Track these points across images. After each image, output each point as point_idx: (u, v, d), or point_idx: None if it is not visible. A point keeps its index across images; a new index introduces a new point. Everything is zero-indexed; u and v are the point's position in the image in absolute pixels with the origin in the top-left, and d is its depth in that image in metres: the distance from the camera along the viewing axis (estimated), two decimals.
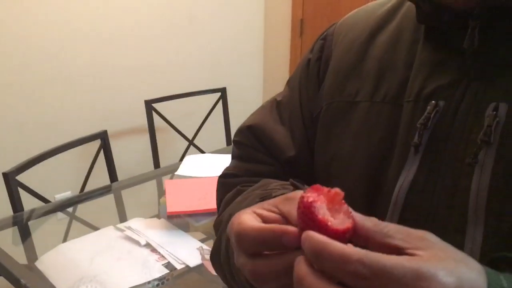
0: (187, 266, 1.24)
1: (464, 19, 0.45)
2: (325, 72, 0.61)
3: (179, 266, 1.23)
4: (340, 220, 0.33)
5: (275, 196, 0.45)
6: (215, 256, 0.59)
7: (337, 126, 0.57)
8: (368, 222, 0.33)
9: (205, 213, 1.47)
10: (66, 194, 2.37)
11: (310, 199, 0.33)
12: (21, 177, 1.51)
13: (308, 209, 0.33)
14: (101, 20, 2.44)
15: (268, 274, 0.35)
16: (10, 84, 2.15)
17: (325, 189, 0.34)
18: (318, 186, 0.34)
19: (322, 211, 0.33)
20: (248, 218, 0.37)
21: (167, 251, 1.29)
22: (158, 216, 1.48)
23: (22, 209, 1.51)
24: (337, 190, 0.35)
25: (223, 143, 2.67)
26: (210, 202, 1.50)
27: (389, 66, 0.53)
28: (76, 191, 2.35)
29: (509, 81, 0.44)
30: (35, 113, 2.27)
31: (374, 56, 0.56)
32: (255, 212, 0.39)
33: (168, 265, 1.24)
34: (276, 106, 0.67)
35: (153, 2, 2.64)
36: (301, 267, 0.31)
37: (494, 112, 0.43)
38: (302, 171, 0.61)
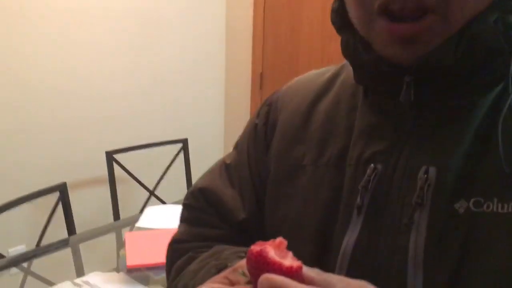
0: None
1: (400, 73, 0.48)
2: (271, 136, 0.64)
3: None
4: (289, 261, 0.35)
5: (230, 266, 0.47)
6: None
7: (285, 188, 0.59)
8: (312, 272, 0.36)
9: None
10: (20, 248, 2.29)
11: (258, 248, 0.35)
12: None
13: (259, 256, 0.35)
14: (61, 70, 2.46)
15: None
16: None
17: (269, 241, 0.37)
18: (261, 241, 0.37)
19: (272, 254, 0.35)
20: (212, 280, 0.40)
21: None
22: (117, 270, 1.46)
23: None
24: (280, 239, 0.37)
25: (184, 193, 2.67)
26: None
27: (331, 132, 0.57)
28: (31, 245, 2.28)
29: (437, 143, 0.48)
30: None
31: (316, 122, 0.59)
32: None
33: None
34: (225, 169, 0.68)
35: (114, 51, 2.68)
36: None
37: (425, 175, 0.46)
38: (253, 234, 0.61)
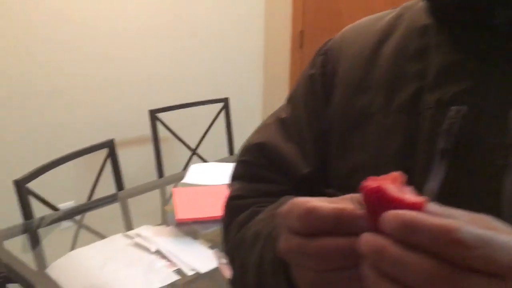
0: (198, 272, 1.25)
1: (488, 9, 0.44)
2: (331, 85, 0.60)
3: (189, 273, 1.25)
4: (411, 196, 0.32)
5: None
6: (238, 282, 0.59)
7: (352, 138, 0.56)
8: (433, 207, 0.32)
9: (213, 221, 1.49)
10: (70, 204, 2.38)
11: (375, 184, 0.32)
12: (29, 185, 1.52)
13: (377, 193, 0.32)
14: (107, 32, 2.47)
15: (335, 252, 0.34)
16: (20, 93, 2.17)
17: (381, 176, 0.34)
18: (372, 177, 0.34)
19: (391, 189, 0.32)
20: (316, 199, 0.36)
21: (177, 257, 1.30)
22: (166, 224, 1.50)
23: (32, 217, 1.52)
24: (396, 173, 0.34)
25: (225, 152, 2.69)
26: (217, 209, 1.52)
27: (399, 76, 0.53)
28: (80, 201, 2.36)
29: None
30: (42, 122, 2.28)
31: (382, 68, 0.56)
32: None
33: (179, 272, 1.25)
34: (281, 123, 0.65)
35: (157, 15, 2.67)
36: (378, 239, 0.31)
37: None
38: (315, 189, 0.59)
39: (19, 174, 1.50)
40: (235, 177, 0.67)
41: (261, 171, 0.63)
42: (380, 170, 0.52)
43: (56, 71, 2.30)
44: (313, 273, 0.36)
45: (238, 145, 2.90)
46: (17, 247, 1.36)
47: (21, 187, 1.47)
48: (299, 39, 3.19)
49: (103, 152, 1.85)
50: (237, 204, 0.63)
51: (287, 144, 0.62)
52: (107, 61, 2.50)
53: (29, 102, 2.23)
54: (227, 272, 1.13)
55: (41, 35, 2.22)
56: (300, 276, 0.38)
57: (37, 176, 1.54)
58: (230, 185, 0.68)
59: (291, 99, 0.67)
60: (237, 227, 0.61)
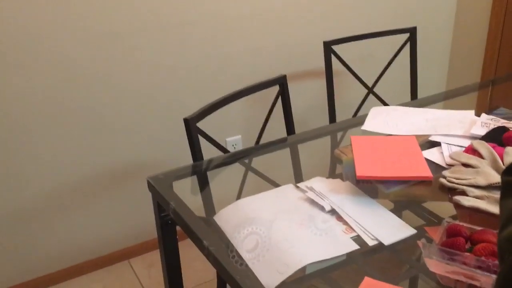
0: (381, 243, 1.04)
1: None
2: None
3: (371, 243, 1.04)
4: None
5: None
6: None
7: None
8: None
9: (397, 181, 1.25)
10: (237, 138, 2.32)
11: None
12: (199, 124, 1.44)
13: None
14: None
15: None
16: (187, 26, 2.10)
17: None
18: None
19: None
20: None
21: (357, 222, 1.10)
22: (342, 178, 1.30)
23: (202, 158, 1.45)
24: None
25: (407, 94, 2.35)
26: (402, 167, 1.26)
27: None
28: (247, 137, 2.29)
29: None
30: (214, 53, 2.21)
31: None
32: None
33: (358, 239, 1.05)
34: None
35: None
36: None
37: None
38: None
39: (189, 111, 1.43)
40: None
41: None
42: None
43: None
44: None
45: (423, 87, 2.50)
46: (187, 189, 1.30)
47: (191, 126, 1.38)
48: None
49: (275, 89, 1.69)
50: None
51: None
52: None
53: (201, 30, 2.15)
54: (435, 268, 0.90)
55: None
56: None
57: (207, 115, 1.44)
58: None
59: None
60: None
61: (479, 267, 0.85)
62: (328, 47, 2.06)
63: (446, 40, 2.87)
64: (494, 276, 0.81)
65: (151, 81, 2.04)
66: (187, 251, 2.05)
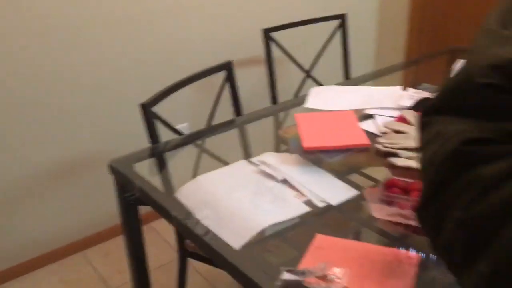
0: (329, 204, 1.18)
1: None
2: None
3: (320, 204, 1.18)
4: None
5: None
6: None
7: None
8: None
9: (339, 150, 1.39)
10: (185, 125, 2.40)
11: None
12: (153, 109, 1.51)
13: None
14: None
15: None
16: (133, 18, 2.15)
17: None
18: None
19: None
20: None
21: (306, 188, 1.23)
22: (288, 151, 1.43)
23: (158, 141, 1.52)
24: None
25: (339, 75, 2.53)
26: (343, 137, 1.41)
27: None
28: (195, 123, 2.38)
29: None
30: (157, 47, 2.27)
31: None
32: None
33: (308, 203, 1.19)
34: None
35: None
36: None
37: None
38: None
39: (143, 97, 1.50)
40: (468, 110, 0.46)
41: None
42: None
43: None
44: None
45: (354, 68, 2.70)
46: (146, 170, 1.37)
47: (147, 110, 1.46)
48: None
49: (219, 77, 1.79)
50: (476, 151, 0.43)
51: None
52: None
53: (142, 25, 2.20)
54: (378, 214, 1.05)
55: None
56: None
57: (161, 99, 1.52)
58: (445, 121, 0.48)
59: None
60: (492, 181, 0.41)
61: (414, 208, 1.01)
62: (266, 34, 2.18)
63: (373, 24, 3.10)
64: None
65: (101, 74, 2.08)
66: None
